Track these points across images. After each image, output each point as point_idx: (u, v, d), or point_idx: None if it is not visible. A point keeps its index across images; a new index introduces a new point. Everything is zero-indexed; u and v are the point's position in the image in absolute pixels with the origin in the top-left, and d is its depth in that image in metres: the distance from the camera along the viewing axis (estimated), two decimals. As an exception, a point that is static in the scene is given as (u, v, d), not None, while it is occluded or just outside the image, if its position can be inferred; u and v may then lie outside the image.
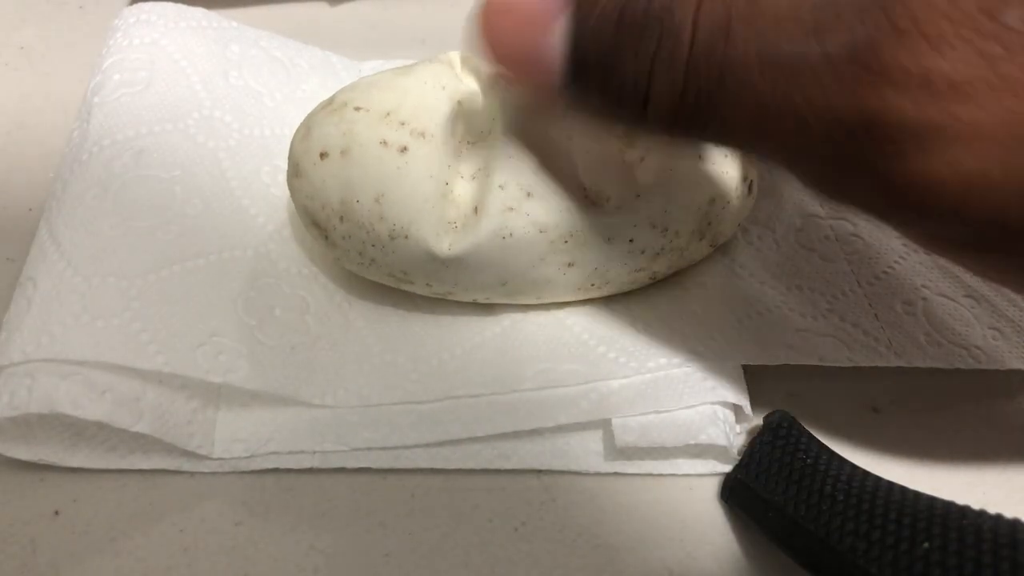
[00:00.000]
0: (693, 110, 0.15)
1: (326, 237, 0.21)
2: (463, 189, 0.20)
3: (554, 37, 0.16)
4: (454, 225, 0.20)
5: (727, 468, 0.21)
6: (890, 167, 0.13)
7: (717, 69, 0.14)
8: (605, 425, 0.21)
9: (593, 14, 0.15)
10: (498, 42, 0.17)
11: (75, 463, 0.20)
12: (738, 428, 0.21)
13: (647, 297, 0.23)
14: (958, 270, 0.24)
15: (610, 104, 0.16)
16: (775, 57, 0.13)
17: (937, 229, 0.14)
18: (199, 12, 0.27)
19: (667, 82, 0.15)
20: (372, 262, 0.21)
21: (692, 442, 0.20)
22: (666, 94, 0.15)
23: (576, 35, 0.15)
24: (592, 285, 0.22)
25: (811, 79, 0.13)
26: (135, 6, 0.27)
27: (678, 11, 0.14)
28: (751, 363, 0.22)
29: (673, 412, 0.21)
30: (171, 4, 0.27)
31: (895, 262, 0.24)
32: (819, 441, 0.20)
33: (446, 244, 0.20)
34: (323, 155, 0.20)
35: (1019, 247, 0.13)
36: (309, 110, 0.22)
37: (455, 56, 0.22)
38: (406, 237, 0.20)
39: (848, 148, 0.13)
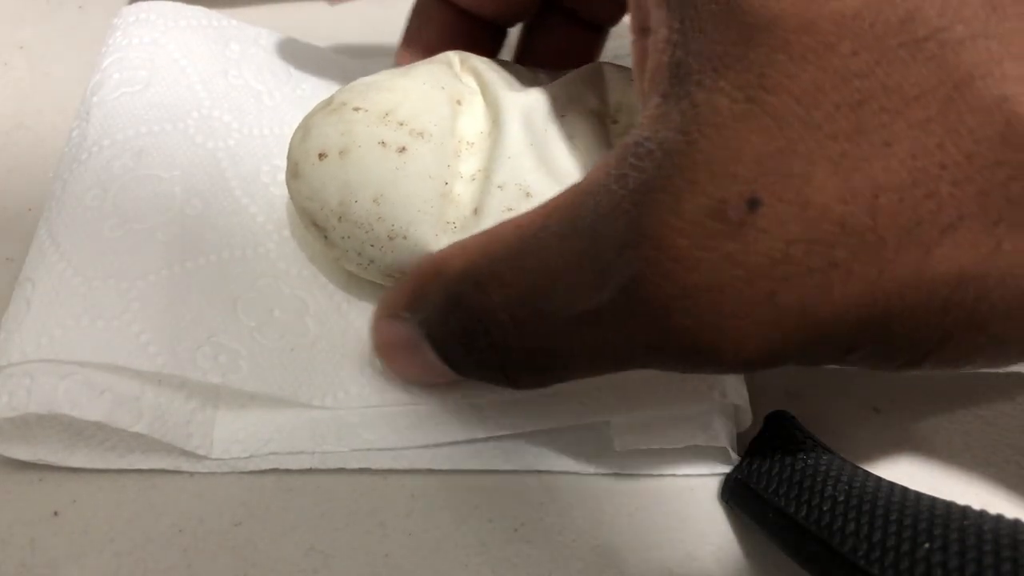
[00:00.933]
0: (552, 376, 0.18)
1: (325, 237, 0.21)
2: (462, 189, 0.20)
3: (428, 355, 0.19)
4: (453, 225, 0.20)
5: (727, 468, 0.21)
6: (694, 361, 0.15)
7: (546, 345, 0.16)
8: (604, 426, 0.21)
9: (438, 335, 0.18)
10: (399, 373, 0.21)
11: (74, 463, 0.20)
12: (738, 428, 0.21)
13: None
14: None
15: (493, 384, 0.19)
16: (574, 319, 0.15)
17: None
18: (199, 11, 0.27)
19: (519, 368, 0.17)
20: (371, 262, 0.21)
21: (691, 443, 0.20)
22: (523, 375, 0.17)
23: (439, 354, 0.19)
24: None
25: (608, 325, 0.15)
26: (134, 5, 0.26)
27: (490, 311, 0.16)
28: None
29: (672, 413, 0.21)
30: (170, 3, 0.27)
31: None
32: (819, 441, 0.20)
33: (445, 244, 0.20)
34: (322, 156, 0.20)
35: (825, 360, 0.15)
36: (309, 109, 0.22)
37: (454, 56, 0.22)
38: (405, 237, 0.20)
39: (660, 358, 0.16)
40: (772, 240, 0.13)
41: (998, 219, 0.13)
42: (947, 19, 0.13)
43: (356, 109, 0.20)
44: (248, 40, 0.27)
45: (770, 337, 0.14)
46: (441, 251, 0.19)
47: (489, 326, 0.17)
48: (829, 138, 0.13)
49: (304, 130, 0.21)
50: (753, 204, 0.13)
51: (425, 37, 0.24)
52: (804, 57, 0.13)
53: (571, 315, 0.15)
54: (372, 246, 0.20)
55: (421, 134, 0.20)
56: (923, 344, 0.14)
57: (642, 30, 0.17)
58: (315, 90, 0.27)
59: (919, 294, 0.13)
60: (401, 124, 0.20)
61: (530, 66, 0.23)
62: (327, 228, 0.21)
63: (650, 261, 0.14)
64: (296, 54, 0.28)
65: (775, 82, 0.13)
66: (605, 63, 0.22)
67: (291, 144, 0.21)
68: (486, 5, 0.24)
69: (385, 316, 0.20)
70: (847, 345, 0.14)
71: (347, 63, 0.29)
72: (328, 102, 0.21)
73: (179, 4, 0.27)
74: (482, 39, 0.24)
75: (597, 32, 0.25)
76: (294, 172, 0.21)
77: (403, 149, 0.20)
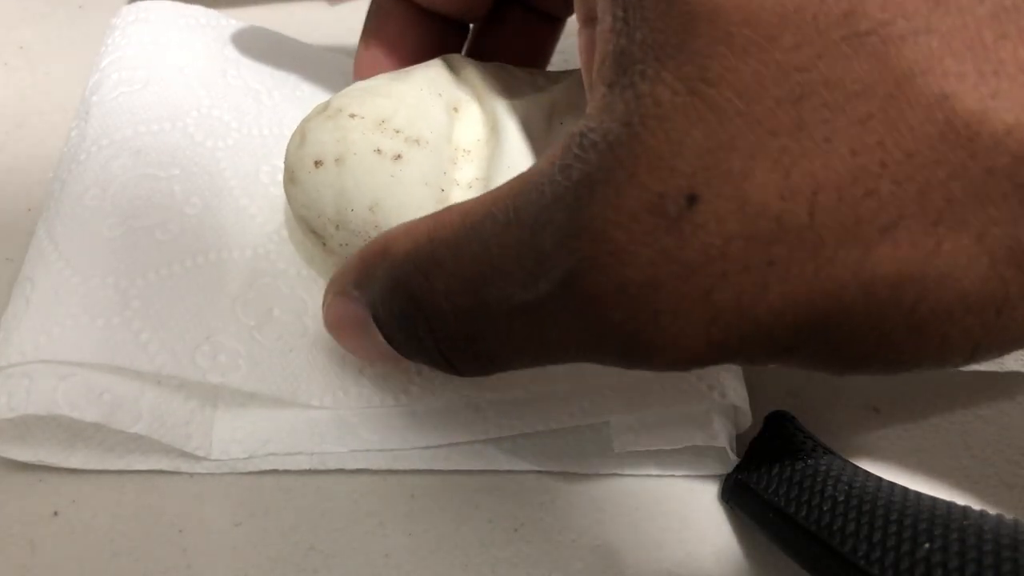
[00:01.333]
0: (492, 365, 0.17)
1: (323, 244, 0.21)
2: (459, 197, 0.20)
3: (376, 335, 0.19)
4: None
5: (727, 468, 0.21)
6: (629, 357, 0.15)
7: (486, 334, 0.16)
8: (604, 426, 0.21)
9: (381, 316, 0.18)
10: (349, 350, 0.21)
11: (73, 464, 0.20)
12: (738, 429, 0.21)
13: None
14: None
15: (437, 370, 0.18)
16: (513, 309, 0.15)
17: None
18: (198, 10, 0.27)
19: (459, 355, 0.17)
20: None
21: (690, 443, 0.20)
22: (465, 362, 0.17)
23: (384, 336, 0.18)
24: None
25: (546, 318, 0.15)
26: (133, 5, 0.26)
27: (431, 298, 0.16)
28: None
29: (671, 414, 0.21)
30: (170, 3, 0.27)
31: None
32: (819, 441, 0.20)
33: None
34: (317, 163, 0.20)
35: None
36: (308, 109, 0.22)
37: (452, 61, 0.22)
38: None
39: (596, 353, 0.15)
40: (709, 236, 0.13)
41: (937, 219, 0.13)
42: (889, 13, 0.12)
43: (352, 116, 0.20)
44: (247, 39, 0.27)
45: (706, 335, 0.14)
46: (390, 231, 0.18)
47: (428, 312, 0.17)
48: (769, 133, 0.13)
49: (300, 135, 0.21)
50: (691, 199, 0.13)
51: (385, 36, 0.24)
52: (746, 50, 0.13)
53: (510, 305, 0.15)
54: None
55: (417, 141, 0.20)
56: (862, 346, 0.14)
57: (588, 19, 0.17)
58: (314, 90, 0.27)
59: (857, 295, 0.13)
60: (397, 131, 0.20)
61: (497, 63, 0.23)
62: (325, 236, 0.21)
63: (587, 254, 0.14)
64: (295, 54, 0.28)
65: (716, 75, 0.13)
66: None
67: (288, 150, 0.21)
68: (444, 1, 0.23)
69: (334, 292, 0.19)
70: (785, 345, 0.14)
71: (347, 63, 0.29)
72: (324, 107, 0.21)
73: (178, 4, 0.27)
74: (442, 36, 0.24)
75: (553, 25, 0.25)
76: (291, 179, 0.21)
77: (399, 157, 0.20)
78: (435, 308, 0.16)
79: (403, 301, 0.17)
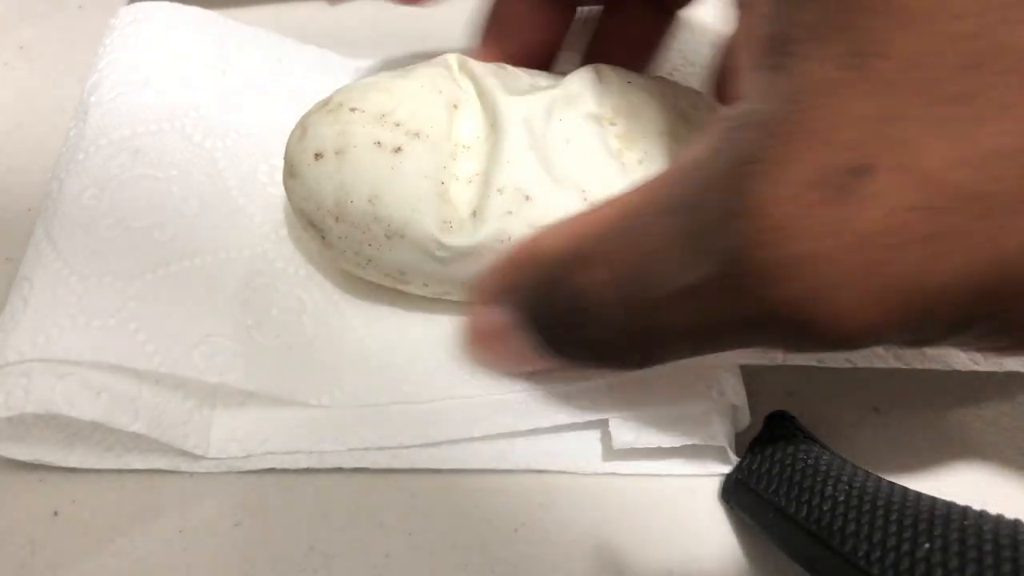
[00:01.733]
0: (656, 354, 0.17)
1: (323, 237, 0.21)
2: (459, 191, 0.20)
3: (523, 340, 0.19)
4: (450, 225, 0.20)
5: (727, 468, 0.21)
6: (795, 336, 0.15)
7: (650, 322, 0.16)
8: (603, 425, 0.21)
9: (537, 318, 0.18)
10: (490, 362, 0.21)
11: (72, 463, 0.20)
12: (736, 428, 0.21)
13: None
14: None
15: (594, 366, 0.19)
16: (677, 294, 0.15)
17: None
18: (196, 11, 0.27)
19: (624, 346, 0.17)
20: (369, 262, 0.21)
21: (689, 442, 0.20)
22: (628, 353, 0.17)
23: (537, 335, 0.19)
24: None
25: (709, 300, 0.15)
26: (132, 5, 0.26)
27: (594, 291, 0.17)
28: (748, 363, 0.22)
29: (670, 413, 0.21)
30: (169, 3, 0.27)
31: None
32: (819, 441, 0.20)
33: (443, 245, 0.20)
34: (318, 156, 0.20)
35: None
36: (306, 108, 0.22)
37: (453, 59, 0.22)
38: (403, 236, 0.20)
39: (759, 333, 0.15)
40: (883, 207, 0.13)
41: None
42: None
43: (353, 109, 0.20)
44: (246, 40, 0.27)
45: (873, 310, 0.14)
46: (531, 237, 0.19)
47: (593, 305, 0.17)
48: (943, 102, 0.13)
49: (301, 129, 0.21)
50: (860, 171, 0.13)
51: (506, 20, 0.24)
52: (911, 21, 0.13)
53: (673, 291, 0.15)
54: (370, 246, 0.20)
55: (417, 135, 0.20)
56: None
57: (742, 4, 0.17)
58: (313, 90, 0.27)
59: None
60: (397, 125, 0.20)
61: (596, 59, 0.23)
62: (324, 228, 0.21)
63: (752, 232, 0.14)
64: (294, 54, 0.28)
65: (880, 48, 0.13)
66: (602, 66, 0.22)
67: (288, 144, 0.21)
68: None
69: (479, 305, 0.20)
70: (958, 319, 0.14)
71: (346, 63, 0.29)
72: (326, 102, 0.21)
73: (177, 4, 0.27)
74: (562, 22, 0.24)
75: (667, 18, 0.25)
76: (291, 172, 0.21)
77: (399, 149, 0.20)
78: (600, 301, 0.17)
79: (564, 299, 0.17)
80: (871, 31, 0.13)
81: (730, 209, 0.14)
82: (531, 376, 0.21)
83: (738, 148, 0.14)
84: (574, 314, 0.17)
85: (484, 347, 0.21)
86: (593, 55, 0.25)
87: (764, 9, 0.15)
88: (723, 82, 0.23)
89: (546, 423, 0.21)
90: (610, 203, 0.17)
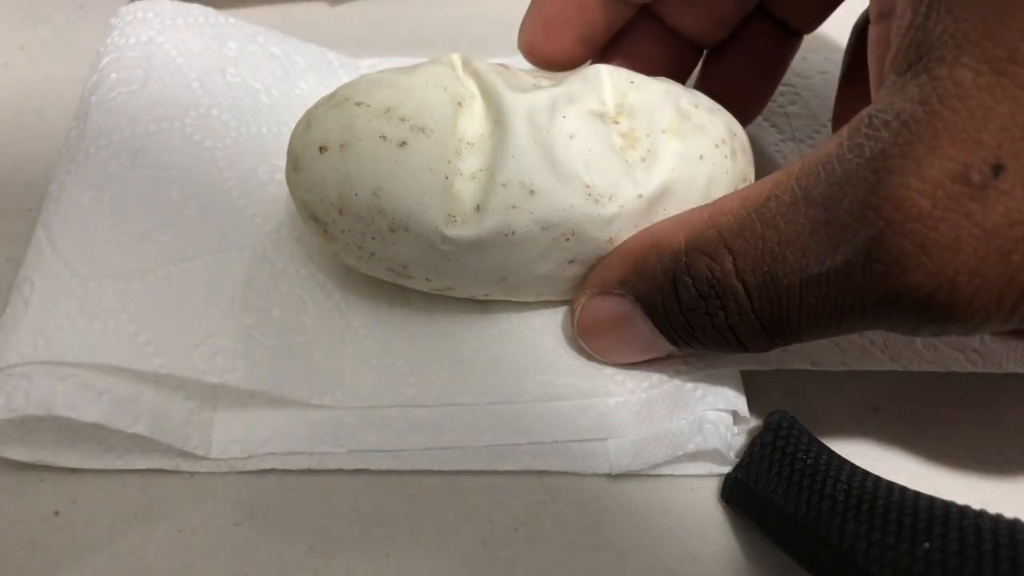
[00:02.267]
0: (782, 338, 0.18)
1: (325, 231, 0.21)
2: (463, 187, 0.20)
3: (642, 330, 0.20)
4: (454, 219, 0.20)
5: (727, 468, 0.21)
6: (926, 317, 0.16)
7: (779, 307, 0.17)
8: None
9: (660, 307, 0.19)
10: (605, 351, 0.22)
11: (73, 463, 0.20)
12: (736, 429, 0.21)
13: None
14: None
15: (716, 351, 0.20)
16: (813, 279, 0.17)
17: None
18: (197, 10, 0.27)
19: (751, 331, 0.18)
20: (372, 255, 0.21)
21: (686, 451, 0.20)
22: (756, 338, 0.19)
23: (659, 327, 0.20)
24: (592, 283, 0.22)
25: (842, 285, 0.16)
26: (132, 4, 0.26)
27: (723, 278, 0.18)
28: (745, 368, 0.22)
29: (667, 427, 0.21)
30: (169, 2, 0.27)
31: None
32: (819, 441, 0.20)
33: (447, 238, 0.20)
34: (322, 149, 0.20)
35: None
36: (307, 107, 0.22)
37: (457, 58, 0.22)
38: (407, 230, 0.20)
39: (889, 315, 0.16)
40: (1013, 202, 0.14)
41: None
42: None
43: (359, 104, 0.20)
44: (246, 38, 0.27)
45: (1000, 295, 0.15)
46: (652, 227, 0.20)
47: (722, 293, 0.18)
48: None
49: (306, 123, 0.21)
50: (997, 169, 0.14)
51: (628, 50, 0.25)
52: None
53: (804, 278, 0.17)
54: (373, 239, 0.20)
55: (422, 130, 0.20)
56: None
57: (882, 15, 0.18)
58: (313, 89, 0.27)
59: None
60: (403, 120, 0.20)
61: (712, 85, 0.24)
62: (327, 222, 0.21)
63: (891, 221, 0.15)
64: (295, 53, 0.28)
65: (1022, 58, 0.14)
66: (604, 65, 0.22)
67: (292, 138, 0.21)
68: (692, 23, 0.25)
69: (591, 295, 0.21)
70: None
71: (346, 62, 0.29)
72: (331, 97, 0.21)
73: (177, 3, 0.27)
74: (682, 56, 0.26)
75: (794, 40, 0.26)
76: (294, 165, 0.21)
77: (404, 143, 0.20)
78: (729, 288, 0.18)
79: (692, 287, 0.19)
80: (1020, 40, 0.14)
81: (868, 200, 0.15)
82: (640, 365, 0.22)
83: (878, 144, 0.16)
84: (702, 302, 0.18)
85: (599, 337, 0.21)
86: (714, 84, 0.26)
87: (907, 20, 0.16)
88: (848, 88, 0.24)
89: (546, 439, 0.21)
90: (734, 195, 0.18)
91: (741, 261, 0.18)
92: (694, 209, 0.19)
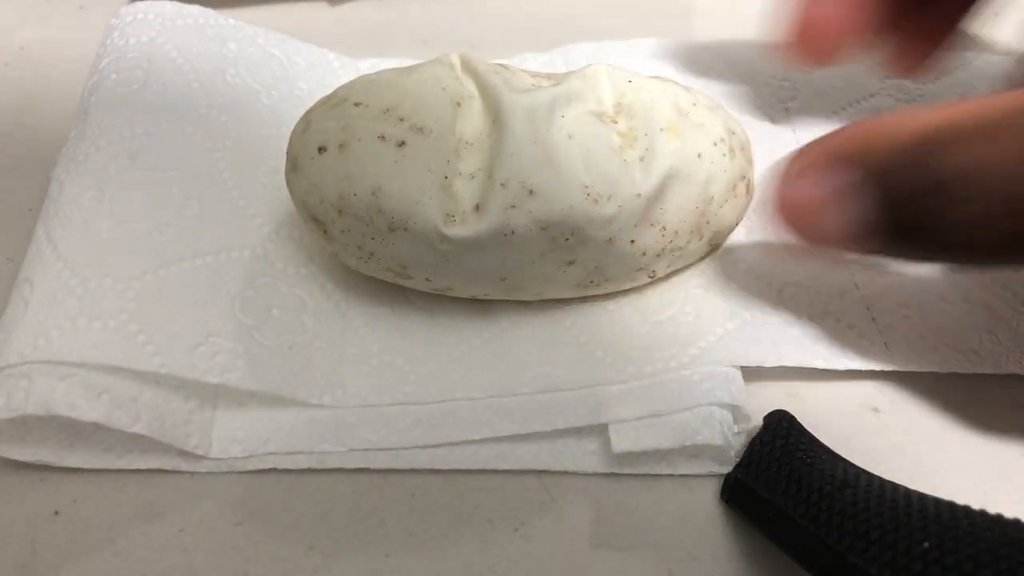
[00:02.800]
0: (990, 256, 0.17)
1: (325, 231, 0.21)
2: (461, 186, 0.20)
3: (855, 213, 0.18)
4: (453, 218, 0.20)
5: (727, 468, 0.21)
6: None
7: (991, 222, 0.16)
8: (603, 428, 0.21)
9: (894, 189, 0.18)
10: (803, 230, 0.20)
11: (73, 463, 0.20)
12: (736, 428, 0.21)
13: (644, 298, 0.23)
14: (955, 275, 0.24)
15: (930, 254, 0.19)
16: None
17: None
18: (197, 10, 0.27)
19: (986, 240, 0.17)
20: (372, 255, 0.21)
21: (687, 443, 0.20)
22: (989, 239, 0.17)
23: (883, 209, 0.18)
24: (591, 283, 0.22)
25: None
26: (132, 5, 0.26)
27: (969, 175, 0.16)
28: (746, 365, 0.22)
29: (669, 416, 0.21)
30: (169, 3, 0.27)
31: (892, 265, 0.24)
32: (819, 441, 0.20)
33: (446, 238, 0.20)
34: (321, 149, 0.20)
35: None
36: (306, 108, 0.22)
37: (456, 58, 0.22)
38: (406, 229, 0.20)
39: None
40: None
41: None
42: None
43: (357, 104, 0.20)
44: (246, 39, 0.27)
45: None
46: (881, 116, 0.19)
47: (970, 185, 0.17)
48: None
49: (305, 123, 0.21)
50: None
51: None
52: None
53: None
54: (372, 239, 0.20)
55: (421, 130, 0.20)
56: None
57: None
58: (313, 89, 0.27)
59: None
60: (401, 120, 0.20)
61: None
62: (326, 222, 0.21)
63: None
64: (295, 53, 0.28)
65: None
66: (603, 65, 0.22)
67: (291, 138, 0.21)
68: None
69: (817, 169, 0.19)
70: None
71: (346, 63, 0.29)
72: (330, 97, 0.21)
73: (177, 4, 0.27)
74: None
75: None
76: (293, 166, 0.21)
77: (403, 143, 0.20)
78: (979, 181, 0.16)
79: (932, 175, 0.17)
80: None
81: None
82: (823, 262, 0.21)
83: None
84: (939, 194, 0.17)
85: (799, 214, 0.19)
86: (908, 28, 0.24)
87: None
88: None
89: (545, 428, 0.21)
90: (961, 105, 0.17)
91: (1003, 152, 0.16)
92: (930, 106, 0.18)
